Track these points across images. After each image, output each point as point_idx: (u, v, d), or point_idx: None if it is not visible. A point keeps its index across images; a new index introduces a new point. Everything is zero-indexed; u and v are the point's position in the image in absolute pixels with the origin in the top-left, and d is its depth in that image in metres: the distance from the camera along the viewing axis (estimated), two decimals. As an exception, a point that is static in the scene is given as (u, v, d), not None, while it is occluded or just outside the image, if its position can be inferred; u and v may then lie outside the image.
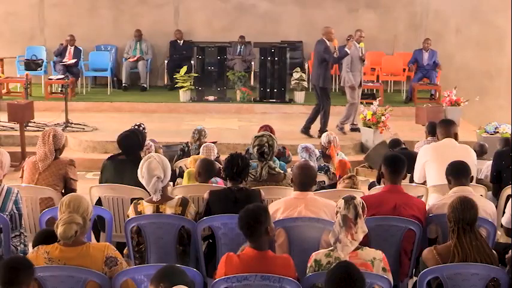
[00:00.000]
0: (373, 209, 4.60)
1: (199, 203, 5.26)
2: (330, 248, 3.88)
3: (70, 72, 13.11)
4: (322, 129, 10.09)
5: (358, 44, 10.93)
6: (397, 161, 4.85)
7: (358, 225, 3.84)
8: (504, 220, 4.97)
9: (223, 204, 4.74)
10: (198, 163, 5.95)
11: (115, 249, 3.90)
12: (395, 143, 7.48)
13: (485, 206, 4.68)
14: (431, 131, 7.40)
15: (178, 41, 14.21)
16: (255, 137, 5.59)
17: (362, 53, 10.85)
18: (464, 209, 4.02)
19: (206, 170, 5.76)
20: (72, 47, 13.42)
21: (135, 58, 13.98)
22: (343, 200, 3.90)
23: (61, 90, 12.96)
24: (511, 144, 6.76)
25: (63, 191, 5.54)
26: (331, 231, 3.92)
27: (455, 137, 6.09)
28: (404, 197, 4.73)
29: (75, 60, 13.31)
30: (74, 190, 5.54)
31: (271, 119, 10.92)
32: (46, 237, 3.93)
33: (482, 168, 6.74)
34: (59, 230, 3.72)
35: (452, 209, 4.07)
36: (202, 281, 3.84)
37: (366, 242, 4.30)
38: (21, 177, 5.68)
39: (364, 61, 10.97)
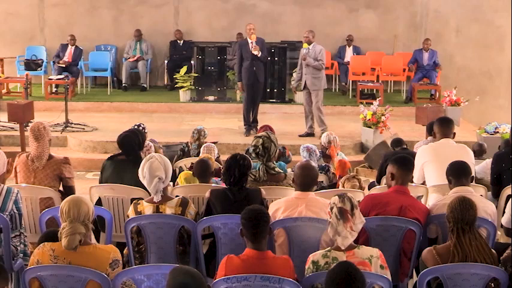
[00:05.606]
0: (378, 208, 4.61)
1: (199, 203, 5.27)
2: (327, 249, 3.89)
3: (69, 72, 13.10)
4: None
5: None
6: (408, 161, 4.89)
7: (355, 216, 3.87)
8: (504, 220, 4.98)
9: (223, 204, 4.75)
10: (194, 164, 5.95)
11: (119, 251, 3.91)
12: (397, 142, 7.47)
13: (486, 206, 4.67)
14: (431, 131, 7.39)
15: (178, 41, 14.20)
16: (254, 137, 5.65)
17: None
18: (463, 209, 4.03)
19: (202, 171, 5.76)
20: (73, 47, 13.43)
21: (135, 58, 13.98)
22: (336, 196, 3.94)
23: (56, 90, 12.98)
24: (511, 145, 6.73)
25: (60, 189, 5.54)
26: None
27: (453, 136, 6.09)
28: (409, 200, 4.72)
29: (69, 61, 13.25)
30: (71, 187, 5.55)
31: (271, 119, 10.90)
32: (52, 238, 3.90)
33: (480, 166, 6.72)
34: (63, 242, 3.74)
35: (451, 209, 4.07)
36: (202, 281, 3.83)
37: (365, 242, 4.30)
38: (15, 176, 5.65)
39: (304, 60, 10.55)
